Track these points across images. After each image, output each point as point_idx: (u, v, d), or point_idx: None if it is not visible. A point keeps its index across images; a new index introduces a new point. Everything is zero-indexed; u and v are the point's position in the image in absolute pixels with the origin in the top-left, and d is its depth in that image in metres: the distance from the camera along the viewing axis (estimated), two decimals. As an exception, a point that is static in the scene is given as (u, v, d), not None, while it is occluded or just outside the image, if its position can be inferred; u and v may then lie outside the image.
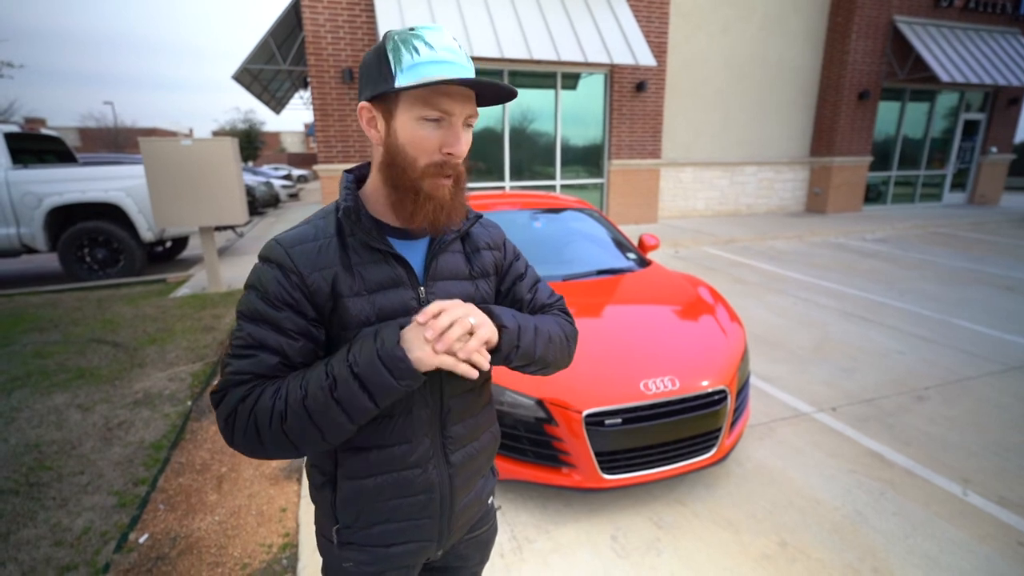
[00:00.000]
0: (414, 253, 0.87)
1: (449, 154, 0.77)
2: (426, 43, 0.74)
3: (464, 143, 0.79)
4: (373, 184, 0.85)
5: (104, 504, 2.29)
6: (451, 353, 0.71)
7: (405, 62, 0.74)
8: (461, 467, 0.93)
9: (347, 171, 0.89)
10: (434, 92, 0.74)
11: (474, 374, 0.73)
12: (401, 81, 0.74)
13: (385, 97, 0.78)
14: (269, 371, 0.77)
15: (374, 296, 0.81)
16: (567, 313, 1.03)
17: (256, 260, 0.83)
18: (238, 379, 0.76)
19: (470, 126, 0.81)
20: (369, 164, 0.88)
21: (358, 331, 0.79)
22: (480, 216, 0.96)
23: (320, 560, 1.00)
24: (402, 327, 0.75)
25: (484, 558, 1.12)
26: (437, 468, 0.90)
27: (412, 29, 0.75)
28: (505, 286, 0.99)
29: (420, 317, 0.72)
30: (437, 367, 0.72)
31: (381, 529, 0.89)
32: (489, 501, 1.06)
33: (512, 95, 0.79)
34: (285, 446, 0.75)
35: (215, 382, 0.82)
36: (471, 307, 0.75)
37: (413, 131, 0.76)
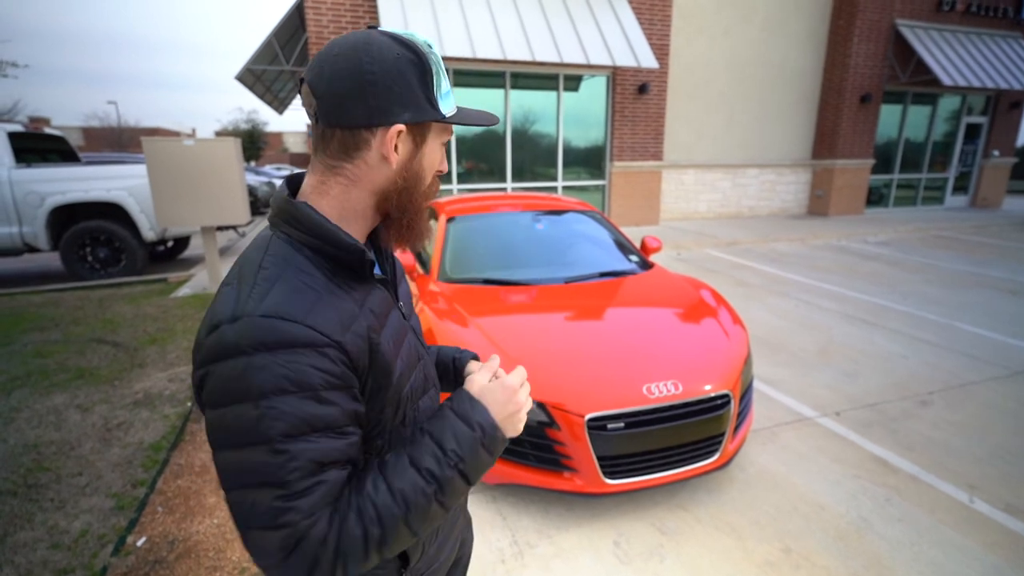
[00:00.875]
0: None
1: (439, 171, 0.78)
2: (446, 76, 0.74)
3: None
4: (350, 208, 0.71)
5: (102, 506, 2.28)
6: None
7: (442, 89, 0.71)
8: None
9: (301, 201, 0.69)
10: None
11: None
12: (445, 109, 0.71)
13: (423, 123, 0.70)
14: (339, 488, 0.62)
15: (386, 329, 0.73)
16: None
17: (242, 359, 0.58)
18: (312, 520, 0.59)
19: None
20: (301, 176, 0.75)
21: (396, 371, 0.72)
22: None
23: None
24: (473, 395, 0.74)
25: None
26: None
27: (430, 46, 0.70)
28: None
29: (505, 388, 0.75)
30: None
31: (435, 553, 0.88)
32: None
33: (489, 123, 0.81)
34: (377, 562, 0.65)
35: (269, 540, 0.58)
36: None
37: (435, 154, 0.75)
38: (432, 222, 3.59)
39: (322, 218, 0.68)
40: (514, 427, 0.74)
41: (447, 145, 0.80)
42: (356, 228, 0.73)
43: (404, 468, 0.65)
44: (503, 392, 0.73)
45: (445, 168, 0.78)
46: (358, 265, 0.69)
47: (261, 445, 0.57)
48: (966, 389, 3.46)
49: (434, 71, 0.69)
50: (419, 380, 0.80)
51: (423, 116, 0.69)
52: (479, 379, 0.76)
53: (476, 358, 0.99)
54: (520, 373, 0.77)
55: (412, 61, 0.67)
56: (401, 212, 0.73)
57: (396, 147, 0.68)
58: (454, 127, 0.75)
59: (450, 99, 0.73)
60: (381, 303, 0.74)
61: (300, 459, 0.58)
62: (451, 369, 0.97)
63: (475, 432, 0.69)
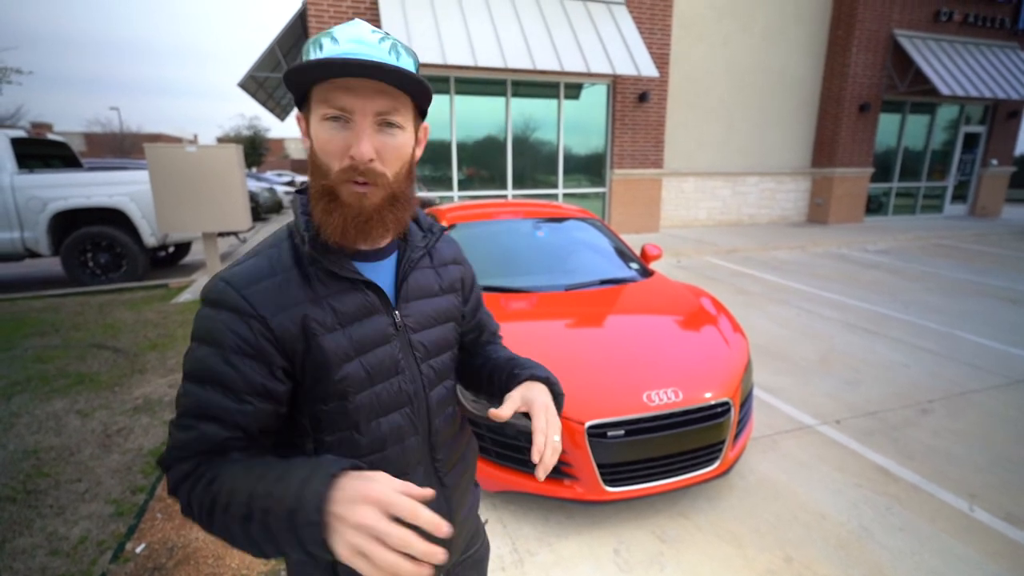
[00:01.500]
0: (383, 274, 0.80)
1: (351, 157, 0.68)
2: (332, 38, 0.67)
3: (366, 143, 0.67)
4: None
5: (101, 512, 2.27)
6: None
7: (308, 56, 0.68)
8: (455, 487, 0.91)
9: (299, 191, 0.78)
10: (331, 88, 0.66)
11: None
12: (299, 74, 0.68)
13: (305, 102, 0.71)
14: (215, 447, 0.66)
15: (350, 329, 0.74)
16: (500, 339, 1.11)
17: (200, 307, 0.70)
18: (179, 455, 0.67)
19: (395, 125, 0.70)
20: None
21: (340, 369, 0.72)
22: (447, 229, 0.95)
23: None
24: (335, 473, 0.57)
25: None
26: (430, 485, 0.87)
27: (329, 28, 0.69)
28: (470, 307, 0.99)
29: (367, 509, 0.53)
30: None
31: None
32: (483, 518, 1.06)
33: (409, 81, 0.67)
34: (224, 540, 0.63)
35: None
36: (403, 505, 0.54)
37: (319, 133, 0.69)
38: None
39: (301, 211, 0.75)
40: (333, 533, 0.53)
41: (351, 124, 0.68)
42: (314, 209, 0.74)
43: (249, 478, 0.61)
44: (358, 488, 0.54)
45: (352, 149, 0.68)
46: (320, 260, 0.73)
47: (183, 378, 0.70)
48: (967, 398, 3.46)
49: (303, 50, 0.70)
50: (388, 393, 0.78)
51: (292, 93, 0.71)
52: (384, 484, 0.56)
53: (544, 380, 0.90)
54: (383, 493, 0.53)
55: (300, 55, 0.72)
56: (313, 197, 0.73)
57: (305, 131, 0.73)
58: (336, 106, 0.68)
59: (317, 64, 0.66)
60: (353, 304, 0.75)
61: (189, 398, 0.68)
62: (502, 377, 0.93)
63: (292, 501, 0.56)
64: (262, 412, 0.69)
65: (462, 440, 0.95)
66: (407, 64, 0.70)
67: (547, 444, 0.77)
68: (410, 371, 0.81)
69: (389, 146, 0.70)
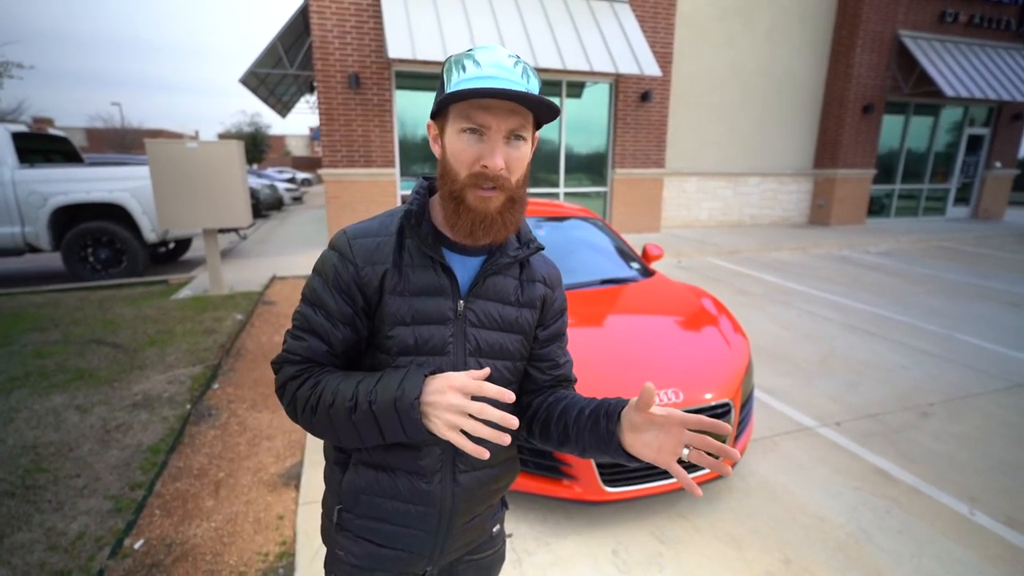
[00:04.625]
0: (465, 268, 0.88)
1: (484, 167, 0.77)
2: (475, 61, 0.76)
3: (499, 156, 0.77)
4: (438, 196, 0.88)
5: (100, 508, 2.27)
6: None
7: (453, 80, 0.77)
8: (469, 490, 0.90)
9: (424, 176, 0.93)
10: (471, 106, 0.76)
11: (483, 454, 0.70)
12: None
13: (441, 113, 0.82)
14: (317, 356, 0.84)
15: (414, 300, 0.84)
16: None
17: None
18: (289, 357, 0.85)
19: (522, 138, 0.80)
20: None
21: (393, 328, 0.83)
22: (542, 248, 0.96)
23: (315, 569, 0.99)
24: (432, 372, 0.75)
25: None
26: (442, 483, 0.88)
27: (469, 50, 0.78)
28: (545, 334, 0.96)
29: (452, 393, 0.70)
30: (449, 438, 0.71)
31: (378, 527, 0.90)
32: (494, 529, 1.04)
33: (545, 107, 0.77)
34: (310, 429, 0.83)
35: (278, 354, 0.90)
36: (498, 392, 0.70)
37: (454, 143, 0.79)
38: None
39: (416, 189, 0.90)
40: (430, 417, 0.72)
41: (485, 138, 0.77)
42: (442, 214, 0.86)
43: (353, 380, 0.80)
44: (442, 381, 0.73)
45: (484, 160, 0.77)
46: (415, 235, 0.85)
47: (301, 298, 0.88)
48: (967, 401, 3.45)
49: (445, 68, 0.80)
50: (428, 367, 0.83)
51: (434, 107, 0.82)
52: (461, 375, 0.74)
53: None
54: (460, 380, 0.71)
55: (443, 71, 0.81)
56: (444, 198, 0.83)
57: (437, 139, 0.85)
58: (476, 122, 0.76)
59: (463, 84, 0.75)
60: (426, 280, 0.85)
61: (304, 316, 0.85)
62: (601, 416, 0.86)
63: (396, 390, 0.74)
64: (349, 340, 0.85)
65: (498, 455, 0.93)
66: (534, 84, 0.79)
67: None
68: (455, 357, 0.86)
69: (515, 157, 0.80)
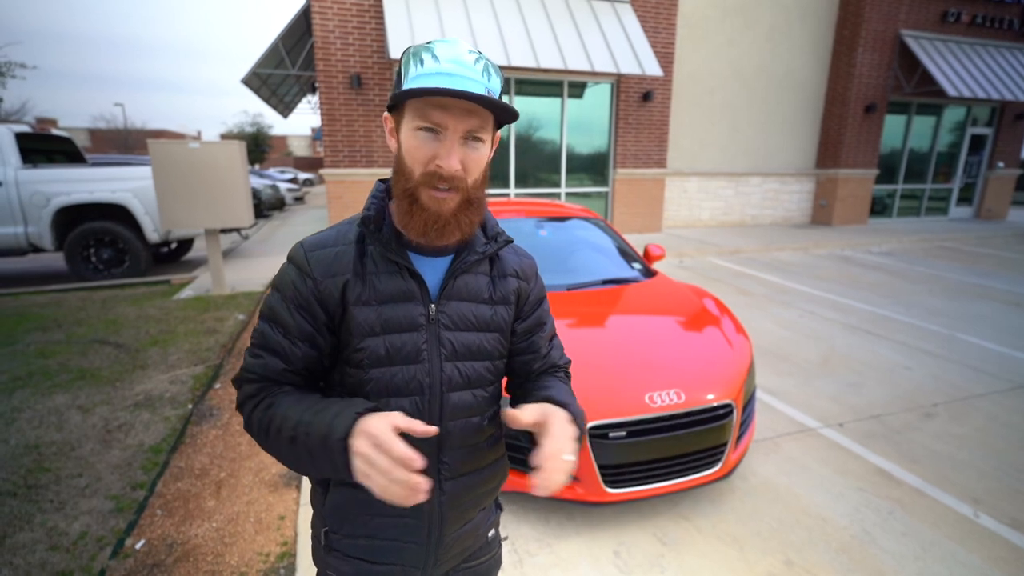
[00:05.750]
0: (433, 270, 0.85)
1: (439, 166, 0.75)
2: (433, 55, 0.73)
3: (455, 158, 0.75)
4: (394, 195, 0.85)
5: (101, 508, 2.27)
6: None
7: (410, 74, 0.74)
8: (455, 497, 0.88)
9: (381, 180, 0.89)
10: (427, 103, 0.73)
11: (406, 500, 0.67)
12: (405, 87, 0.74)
13: (397, 108, 0.79)
14: (274, 375, 0.81)
15: (382, 307, 0.81)
16: (569, 377, 1.04)
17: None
18: (248, 376, 0.82)
19: (480, 139, 0.77)
20: None
21: (363, 340, 0.80)
22: (511, 241, 0.93)
23: (316, 570, 0.98)
24: (360, 412, 0.70)
25: None
26: (428, 493, 0.86)
27: (429, 43, 0.75)
28: (524, 326, 0.95)
29: (362, 439, 0.66)
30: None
31: (367, 543, 0.87)
32: (489, 534, 1.01)
33: (502, 110, 0.75)
34: (272, 455, 0.80)
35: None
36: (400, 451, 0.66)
37: (409, 140, 0.76)
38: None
39: (373, 193, 0.86)
40: (354, 463, 0.67)
41: (441, 137, 0.75)
42: (396, 209, 0.83)
43: (298, 406, 0.77)
44: (367, 422, 0.68)
45: (439, 160, 0.75)
46: (376, 242, 0.82)
47: (260, 315, 0.85)
48: (970, 402, 3.43)
49: (403, 59, 0.76)
50: (403, 378, 0.82)
51: (390, 100, 0.77)
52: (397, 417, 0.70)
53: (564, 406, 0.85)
54: (376, 427, 0.66)
55: (400, 62, 0.77)
56: (398, 196, 0.81)
57: (393, 132, 0.81)
58: (432, 121, 0.74)
59: (418, 82, 0.72)
60: (393, 287, 0.82)
61: (259, 331, 0.83)
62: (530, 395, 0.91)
63: (325, 428, 0.71)
64: (309, 356, 0.82)
65: (484, 458, 0.92)
66: (495, 83, 0.76)
67: (553, 456, 0.73)
68: (430, 364, 0.83)
69: (472, 158, 0.77)
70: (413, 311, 0.82)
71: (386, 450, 0.65)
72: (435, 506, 0.87)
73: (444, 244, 0.83)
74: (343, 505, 0.86)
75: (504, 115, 0.77)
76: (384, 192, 0.87)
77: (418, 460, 0.65)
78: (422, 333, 0.82)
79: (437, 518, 0.87)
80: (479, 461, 0.91)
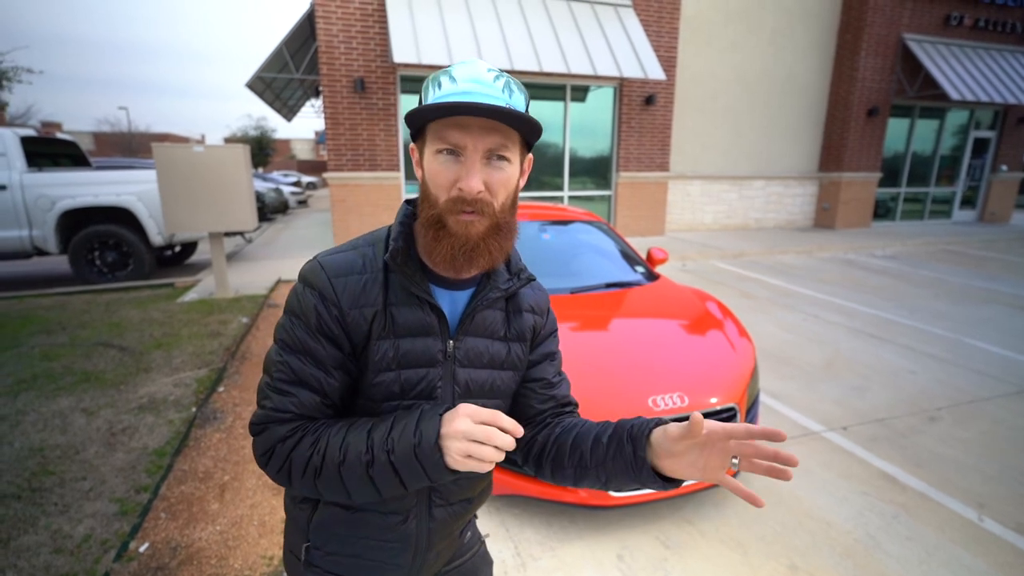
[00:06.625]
0: (454, 303, 0.82)
1: (460, 189, 0.71)
2: (451, 77, 0.71)
3: (476, 178, 0.70)
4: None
5: (105, 511, 2.28)
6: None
7: (429, 99, 0.73)
8: (444, 523, 0.88)
9: (407, 201, 0.84)
10: (445, 124, 0.70)
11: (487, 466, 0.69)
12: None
13: (420, 135, 0.77)
14: (310, 411, 0.76)
15: (400, 341, 0.77)
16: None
17: (296, 280, 0.80)
18: (279, 416, 0.75)
19: (505, 159, 0.73)
20: None
21: (378, 375, 0.77)
22: (533, 279, 0.90)
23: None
24: (441, 413, 0.71)
25: None
26: (418, 519, 0.85)
27: (448, 67, 0.74)
28: (534, 357, 0.92)
29: (462, 424, 0.67)
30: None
31: (349, 562, 0.85)
32: (467, 536, 1.00)
33: (522, 122, 0.70)
34: (312, 492, 0.76)
35: (255, 413, 0.78)
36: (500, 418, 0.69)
37: (431, 165, 0.73)
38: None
39: (400, 219, 0.81)
40: (451, 454, 0.67)
41: (462, 159, 0.71)
42: (422, 238, 0.79)
43: (362, 430, 0.73)
44: (458, 417, 0.68)
45: (461, 182, 0.71)
46: (401, 273, 0.77)
47: (278, 345, 0.77)
48: (975, 405, 3.42)
49: (423, 87, 0.75)
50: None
51: (411, 128, 0.75)
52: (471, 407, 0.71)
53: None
54: (484, 414, 0.68)
55: (421, 90, 0.76)
56: (424, 224, 0.77)
57: (419, 163, 0.78)
58: (450, 142, 0.71)
59: (438, 102, 0.70)
60: (412, 320, 0.78)
61: (284, 365, 0.75)
62: (624, 442, 0.79)
63: (414, 437, 0.69)
64: (344, 385, 0.78)
65: (475, 487, 0.91)
66: (518, 100, 0.73)
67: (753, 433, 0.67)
68: (444, 401, 0.80)
69: (496, 179, 0.73)
70: (432, 346, 0.79)
71: (491, 421, 0.67)
72: (424, 532, 0.86)
73: (471, 274, 0.80)
74: (330, 523, 0.84)
75: (527, 129, 0.72)
76: (410, 216, 0.82)
77: (520, 429, 0.68)
78: (438, 369, 0.80)
79: (424, 542, 0.87)
80: (471, 491, 0.91)
